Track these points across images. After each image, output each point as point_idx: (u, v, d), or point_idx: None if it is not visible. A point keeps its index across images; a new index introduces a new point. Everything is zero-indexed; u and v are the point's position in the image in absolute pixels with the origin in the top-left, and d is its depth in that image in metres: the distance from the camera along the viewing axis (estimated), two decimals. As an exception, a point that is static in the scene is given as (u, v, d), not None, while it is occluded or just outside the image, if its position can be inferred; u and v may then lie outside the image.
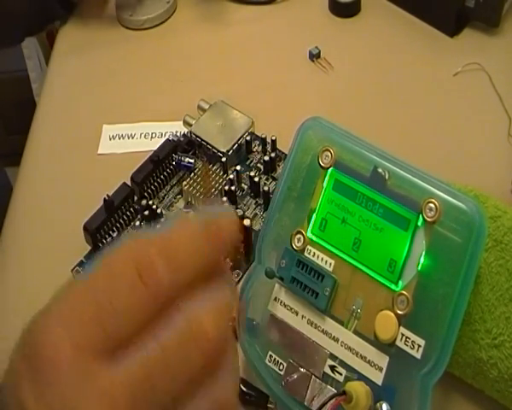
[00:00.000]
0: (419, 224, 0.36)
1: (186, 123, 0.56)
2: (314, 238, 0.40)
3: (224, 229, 0.27)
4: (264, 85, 0.62)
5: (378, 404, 0.36)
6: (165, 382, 0.24)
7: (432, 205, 0.36)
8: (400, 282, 0.36)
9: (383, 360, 0.36)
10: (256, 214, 0.52)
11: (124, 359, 0.23)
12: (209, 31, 0.68)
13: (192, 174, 0.52)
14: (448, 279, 0.35)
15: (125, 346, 0.24)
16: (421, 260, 0.36)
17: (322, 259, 0.39)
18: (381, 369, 0.36)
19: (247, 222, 0.48)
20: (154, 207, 0.50)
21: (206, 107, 0.57)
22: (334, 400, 0.35)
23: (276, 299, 0.41)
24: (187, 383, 0.24)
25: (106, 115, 0.61)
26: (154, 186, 0.53)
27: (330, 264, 0.39)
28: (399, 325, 0.36)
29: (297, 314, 0.40)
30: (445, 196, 0.36)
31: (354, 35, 0.66)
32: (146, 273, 0.24)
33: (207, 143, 0.54)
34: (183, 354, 0.24)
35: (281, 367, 0.40)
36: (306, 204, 0.40)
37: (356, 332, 0.38)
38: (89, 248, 0.50)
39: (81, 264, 0.49)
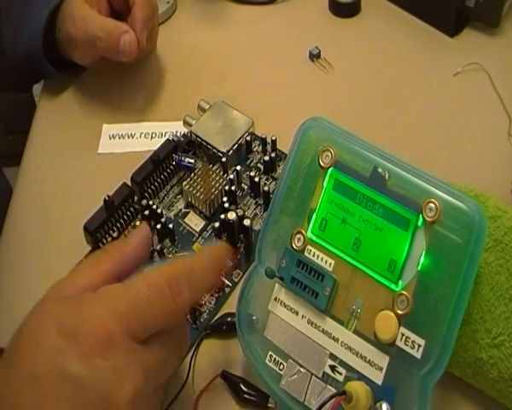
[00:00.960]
0: (419, 224, 0.36)
1: (186, 123, 0.56)
2: (314, 238, 0.40)
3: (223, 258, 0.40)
4: (264, 85, 0.62)
5: (378, 404, 0.36)
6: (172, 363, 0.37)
7: (432, 205, 0.36)
8: (400, 282, 0.36)
9: (383, 360, 0.36)
10: (256, 214, 0.52)
11: (152, 342, 0.35)
12: (209, 31, 0.68)
13: (192, 174, 0.52)
14: (448, 279, 0.35)
15: (152, 337, 0.35)
16: (421, 260, 0.36)
17: (322, 259, 0.39)
18: (381, 369, 0.36)
19: (247, 222, 0.48)
20: (154, 207, 0.50)
21: (206, 107, 0.57)
22: (334, 400, 0.35)
23: (276, 299, 0.41)
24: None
25: (106, 115, 0.61)
26: (155, 186, 0.53)
27: (330, 264, 0.39)
28: (399, 325, 0.36)
29: (297, 314, 0.40)
30: (445, 196, 0.36)
31: (354, 35, 0.66)
32: (176, 295, 0.35)
33: (207, 143, 0.54)
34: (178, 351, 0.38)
35: (281, 367, 0.40)
36: (306, 204, 0.40)
37: (356, 332, 0.38)
38: (89, 248, 0.50)
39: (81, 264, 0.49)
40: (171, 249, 0.50)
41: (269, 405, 0.42)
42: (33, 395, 0.32)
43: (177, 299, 0.35)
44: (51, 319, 0.34)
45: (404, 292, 0.36)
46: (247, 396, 0.42)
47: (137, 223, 0.50)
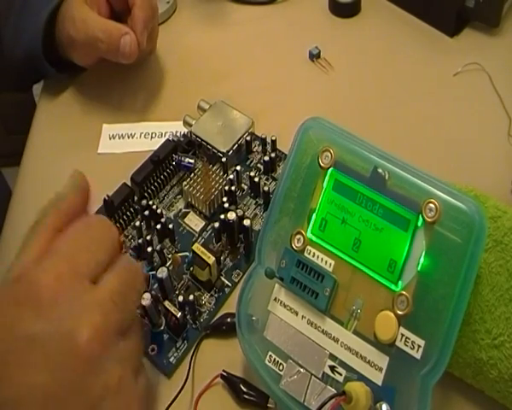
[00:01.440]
0: (419, 224, 0.36)
1: (186, 123, 0.56)
2: (314, 238, 0.40)
3: None
4: (264, 85, 0.62)
5: (378, 404, 0.36)
6: (131, 291, 0.37)
7: (432, 205, 0.36)
8: (400, 282, 0.36)
9: (383, 361, 0.36)
10: (256, 214, 0.52)
11: (103, 278, 0.36)
12: (209, 31, 0.68)
13: (192, 174, 0.52)
14: (448, 279, 0.35)
15: (104, 269, 0.36)
16: (421, 260, 0.36)
17: (322, 259, 0.39)
18: (380, 369, 0.36)
19: (247, 222, 0.48)
20: (154, 207, 0.50)
21: (206, 107, 0.57)
22: (333, 400, 0.35)
23: (275, 299, 0.41)
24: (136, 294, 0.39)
25: (106, 115, 0.61)
26: (154, 186, 0.53)
27: (330, 264, 0.39)
28: (399, 326, 0.36)
29: (297, 314, 0.40)
30: (445, 197, 0.36)
31: (354, 35, 0.66)
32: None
33: (207, 143, 0.54)
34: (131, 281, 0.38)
35: (281, 367, 0.40)
36: (306, 204, 0.40)
37: (356, 332, 0.38)
38: (89, 248, 0.50)
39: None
40: (170, 249, 0.50)
41: (268, 405, 0.42)
42: None
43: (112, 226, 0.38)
44: (2, 296, 0.35)
45: (404, 292, 0.36)
46: (246, 396, 0.42)
47: (137, 223, 0.50)
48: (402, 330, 0.36)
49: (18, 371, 0.32)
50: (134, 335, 0.37)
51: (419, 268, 0.36)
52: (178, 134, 0.56)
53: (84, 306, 0.34)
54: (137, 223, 0.50)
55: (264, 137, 0.55)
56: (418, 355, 0.35)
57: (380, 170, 0.38)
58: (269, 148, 0.55)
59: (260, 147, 0.55)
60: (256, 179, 0.52)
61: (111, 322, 0.35)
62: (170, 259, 0.49)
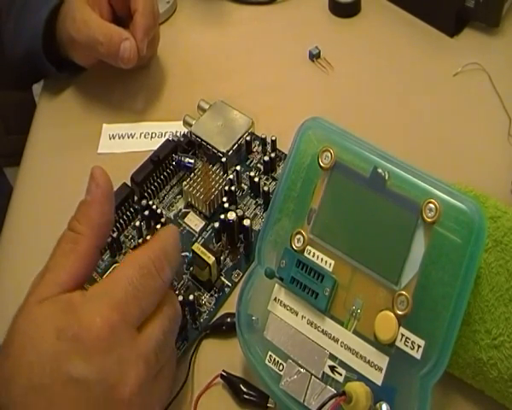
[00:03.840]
0: (419, 224, 0.36)
1: (186, 123, 0.56)
2: (314, 238, 0.40)
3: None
4: (264, 85, 0.62)
5: (378, 404, 0.36)
6: (171, 338, 0.39)
7: (431, 205, 0.36)
8: (400, 282, 0.36)
9: (383, 361, 0.36)
10: (256, 214, 0.52)
11: (148, 327, 0.36)
12: (209, 31, 0.68)
13: (192, 174, 0.52)
14: (448, 279, 0.35)
15: (148, 320, 0.36)
16: (421, 260, 0.36)
17: (322, 259, 0.39)
18: (380, 369, 0.36)
19: (247, 222, 0.48)
20: (154, 207, 0.50)
21: (206, 107, 0.57)
22: (333, 400, 0.35)
23: (275, 299, 0.41)
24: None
25: (106, 115, 0.61)
26: (154, 186, 0.53)
27: (330, 264, 0.39)
28: (399, 326, 0.36)
29: (297, 314, 0.40)
30: (445, 197, 0.36)
31: (354, 35, 0.66)
32: (160, 271, 0.37)
33: (207, 144, 0.54)
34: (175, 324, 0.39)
35: (281, 367, 0.40)
36: (306, 204, 0.40)
37: (356, 332, 0.38)
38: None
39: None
40: (170, 249, 0.50)
41: (268, 405, 0.42)
42: (36, 404, 0.32)
43: (162, 274, 0.37)
44: (45, 324, 0.34)
45: (404, 292, 0.36)
46: (246, 396, 0.42)
47: (137, 223, 0.50)
48: (402, 330, 0.36)
49: (60, 408, 0.33)
50: (166, 376, 0.39)
51: (419, 268, 0.36)
52: (178, 134, 0.56)
53: (130, 358, 0.35)
54: (137, 223, 0.50)
55: (264, 137, 0.55)
56: (418, 355, 0.35)
57: (380, 170, 0.38)
58: (269, 148, 0.55)
59: (260, 147, 0.55)
60: (256, 179, 0.52)
61: (152, 374, 0.36)
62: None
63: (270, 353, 0.40)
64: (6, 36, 0.61)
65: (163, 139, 0.55)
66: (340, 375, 0.38)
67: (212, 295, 0.47)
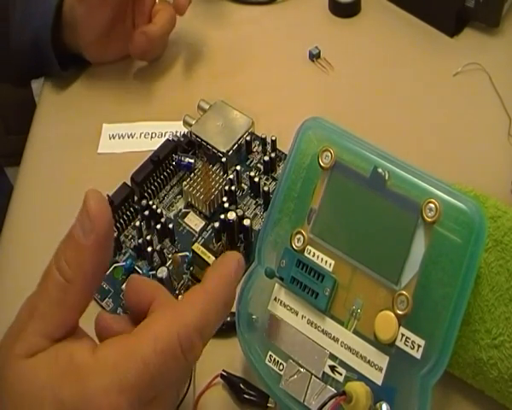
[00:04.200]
0: (419, 224, 0.36)
1: (186, 123, 0.56)
2: (314, 238, 0.40)
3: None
4: (264, 85, 0.62)
5: (378, 404, 0.36)
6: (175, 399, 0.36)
7: (432, 205, 0.36)
8: (400, 282, 0.36)
9: (383, 360, 0.36)
10: (256, 214, 0.52)
11: (157, 399, 0.32)
12: (209, 31, 0.68)
13: (192, 174, 0.52)
14: (448, 279, 0.35)
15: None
16: (421, 260, 0.36)
17: (322, 259, 0.39)
18: (380, 369, 0.36)
19: (247, 222, 0.48)
20: (154, 207, 0.50)
21: (206, 107, 0.57)
22: (333, 400, 0.35)
23: (276, 299, 0.41)
24: None
25: (106, 115, 0.61)
26: (154, 186, 0.53)
27: (330, 264, 0.39)
28: (399, 325, 0.36)
29: (297, 314, 0.40)
30: (445, 197, 0.36)
31: (354, 35, 0.66)
32: (188, 352, 0.32)
33: (207, 143, 0.54)
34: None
35: (281, 367, 0.40)
36: (306, 204, 0.40)
37: (356, 332, 0.38)
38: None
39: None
40: (170, 249, 0.50)
41: (269, 405, 0.42)
42: None
43: (189, 355, 0.32)
44: (44, 390, 0.30)
45: (404, 292, 0.36)
46: (246, 396, 0.42)
47: (137, 223, 0.50)
48: (402, 329, 0.36)
49: None
50: None
51: (419, 268, 0.36)
52: (178, 134, 0.56)
53: None
54: (137, 223, 0.50)
55: (264, 137, 0.55)
56: (418, 355, 0.35)
57: (380, 170, 0.38)
58: (269, 148, 0.55)
59: (260, 147, 0.55)
60: (256, 179, 0.52)
61: None
62: (170, 259, 0.49)
63: (270, 352, 0.40)
64: (14, 22, 0.60)
65: (163, 139, 0.55)
66: (341, 375, 0.38)
67: (212, 295, 0.47)
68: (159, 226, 0.49)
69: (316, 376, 0.39)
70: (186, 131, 0.56)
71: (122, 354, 0.31)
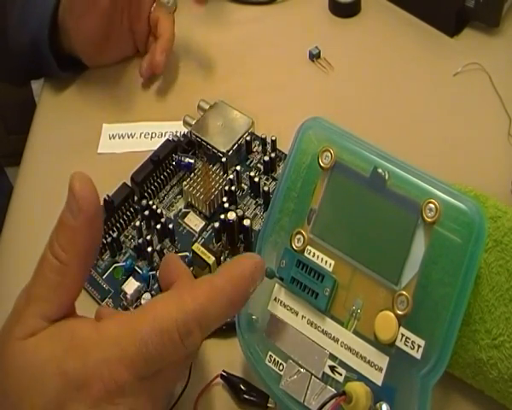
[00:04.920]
0: (419, 224, 0.36)
1: (186, 123, 0.56)
2: (314, 238, 0.40)
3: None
4: (264, 85, 0.62)
5: (378, 404, 0.36)
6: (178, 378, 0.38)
7: (432, 205, 0.36)
8: (400, 282, 0.36)
9: (383, 361, 0.36)
10: (256, 214, 0.52)
11: (157, 375, 0.33)
12: (209, 31, 0.68)
13: (192, 174, 0.52)
14: (448, 280, 0.35)
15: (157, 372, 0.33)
16: (421, 260, 0.36)
17: (322, 259, 0.39)
18: (380, 369, 0.36)
19: (247, 222, 0.48)
20: (154, 207, 0.50)
21: (206, 107, 0.57)
22: (333, 400, 0.35)
23: (276, 299, 0.41)
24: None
25: (106, 115, 0.61)
26: (154, 186, 0.53)
27: (330, 264, 0.39)
28: (399, 326, 0.36)
29: (297, 314, 0.40)
30: (445, 197, 0.36)
31: (354, 35, 0.66)
32: (185, 337, 0.32)
33: (207, 144, 0.54)
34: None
35: (281, 367, 0.40)
36: (306, 204, 0.40)
37: (356, 332, 0.38)
38: (89, 248, 0.50)
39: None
40: (170, 249, 0.50)
41: (268, 405, 0.42)
42: None
43: (186, 341, 0.33)
44: (48, 364, 0.32)
45: (404, 292, 0.36)
46: (246, 396, 0.42)
47: (137, 223, 0.50)
48: (402, 330, 0.36)
49: None
50: None
51: (419, 268, 0.36)
52: (178, 134, 0.56)
53: (139, 405, 0.33)
54: (137, 223, 0.50)
55: (264, 137, 0.55)
56: (418, 355, 0.35)
57: (380, 170, 0.38)
58: (269, 148, 0.55)
59: (260, 147, 0.55)
60: (256, 179, 0.52)
61: None
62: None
63: (270, 353, 0.40)
64: (11, 22, 0.60)
65: (163, 139, 0.55)
66: (340, 375, 0.38)
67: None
68: (159, 226, 0.49)
69: (316, 376, 0.39)
70: (186, 131, 0.56)
71: (124, 329, 0.32)
